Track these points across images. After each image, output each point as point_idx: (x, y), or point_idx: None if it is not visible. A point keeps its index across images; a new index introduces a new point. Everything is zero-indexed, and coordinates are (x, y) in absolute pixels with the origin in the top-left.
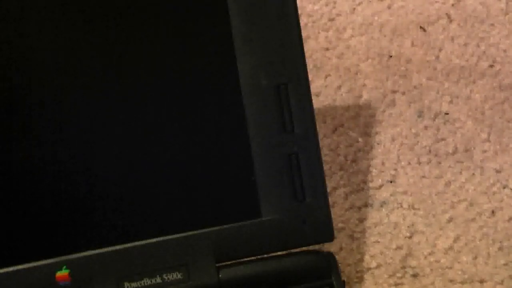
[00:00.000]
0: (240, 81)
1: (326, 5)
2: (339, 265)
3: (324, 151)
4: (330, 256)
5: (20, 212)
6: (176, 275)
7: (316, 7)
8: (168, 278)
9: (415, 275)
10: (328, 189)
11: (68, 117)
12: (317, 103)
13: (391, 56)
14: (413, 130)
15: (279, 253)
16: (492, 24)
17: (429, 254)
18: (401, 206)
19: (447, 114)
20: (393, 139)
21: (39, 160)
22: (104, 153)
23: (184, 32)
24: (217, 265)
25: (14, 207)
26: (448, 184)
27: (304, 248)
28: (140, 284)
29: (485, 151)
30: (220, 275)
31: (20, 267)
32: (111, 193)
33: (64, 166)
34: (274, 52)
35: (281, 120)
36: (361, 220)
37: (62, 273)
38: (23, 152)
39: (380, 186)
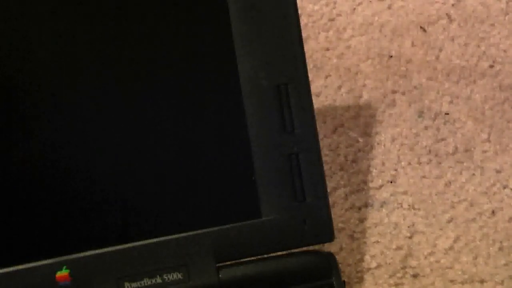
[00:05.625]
0: (240, 81)
1: (326, 5)
2: (339, 265)
3: (324, 151)
4: (330, 256)
5: (20, 212)
6: (176, 275)
7: (316, 7)
8: (168, 278)
9: (415, 275)
10: (328, 189)
11: (69, 117)
12: (317, 103)
13: (391, 56)
14: (413, 130)
15: (279, 253)
16: (492, 24)
17: (429, 254)
18: (401, 206)
19: (447, 114)
20: (393, 139)
21: (39, 160)
22: (104, 153)
23: (184, 32)
24: (217, 265)
25: (14, 207)
26: (448, 184)
27: (304, 248)
28: (140, 284)
29: (485, 151)
30: (220, 275)
31: (20, 267)
32: (111, 193)
33: (64, 166)
34: (274, 52)
35: (281, 120)
36: (361, 220)
37: (62, 273)
38: (23, 152)
39: (380, 186)
